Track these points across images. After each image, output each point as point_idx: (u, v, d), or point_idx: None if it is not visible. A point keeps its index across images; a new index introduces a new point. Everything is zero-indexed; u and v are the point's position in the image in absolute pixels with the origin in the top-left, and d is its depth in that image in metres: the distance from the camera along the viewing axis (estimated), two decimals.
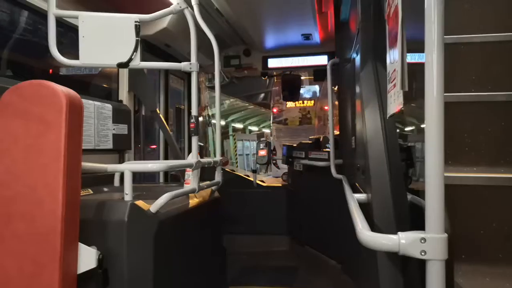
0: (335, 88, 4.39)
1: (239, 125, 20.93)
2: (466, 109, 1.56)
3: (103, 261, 1.72)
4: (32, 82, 1.66)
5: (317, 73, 5.26)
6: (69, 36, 2.87)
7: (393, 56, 1.51)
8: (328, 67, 3.82)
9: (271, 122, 13.99)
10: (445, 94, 1.06)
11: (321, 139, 4.93)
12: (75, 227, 1.62)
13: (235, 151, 17.89)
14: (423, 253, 1.05)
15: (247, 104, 17.80)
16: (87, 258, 1.67)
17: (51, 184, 1.54)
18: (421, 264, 1.13)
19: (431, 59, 1.06)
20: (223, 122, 16.76)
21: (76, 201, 1.63)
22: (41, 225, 1.53)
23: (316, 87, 13.23)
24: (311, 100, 13.68)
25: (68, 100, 1.60)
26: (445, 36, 1.07)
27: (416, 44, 1.41)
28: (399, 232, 1.12)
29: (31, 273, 1.52)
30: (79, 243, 1.65)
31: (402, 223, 1.44)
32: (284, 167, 5.42)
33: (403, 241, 1.09)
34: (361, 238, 1.23)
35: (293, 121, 13.25)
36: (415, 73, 1.62)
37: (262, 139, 11.18)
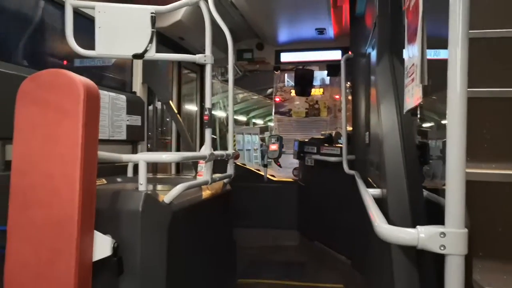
0: (348, 84, 4.36)
1: (241, 118, 18.65)
2: (486, 104, 1.54)
3: (118, 250, 1.74)
4: (50, 71, 1.67)
5: (331, 68, 5.23)
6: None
7: (411, 49, 1.49)
8: (342, 62, 3.80)
9: (273, 113, 12.61)
10: None
11: (333, 135, 4.91)
12: (91, 215, 1.64)
13: (234, 145, 15.61)
14: (442, 248, 1.04)
15: (250, 94, 15.33)
16: (103, 246, 1.69)
17: (68, 173, 1.56)
18: (436, 260, 1.12)
19: (455, 53, 1.05)
20: (223, 114, 14.64)
21: (92, 190, 1.65)
22: (58, 213, 1.55)
23: (325, 73, 11.29)
24: (320, 88, 11.51)
25: (86, 89, 1.61)
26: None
27: (433, 41, 1.39)
28: (418, 226, 1.11)
29: (48, 260, 1.54)
30: (95, 231, 1.67)
31: (418, 218, 1.43)
32: (286, 166, 5.39)
33: (422, 235, 1.08)
34: (379, 232, 1.22)
35: (299, 112, 12.02)
36: (430, 70, 1.61)
37: (272, 133, 10.88)
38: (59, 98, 1.60)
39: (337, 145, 4.28)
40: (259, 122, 21.03)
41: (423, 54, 1.25)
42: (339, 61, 4.03)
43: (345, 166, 3.47)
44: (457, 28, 1.04)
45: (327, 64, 5.24)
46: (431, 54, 1.96)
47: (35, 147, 1.60)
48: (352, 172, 3.31)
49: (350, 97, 4.24)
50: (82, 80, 1.62)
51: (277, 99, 11.98)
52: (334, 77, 6.84)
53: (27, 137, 1.61)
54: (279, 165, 8.36)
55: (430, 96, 1.83)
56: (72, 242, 1.54)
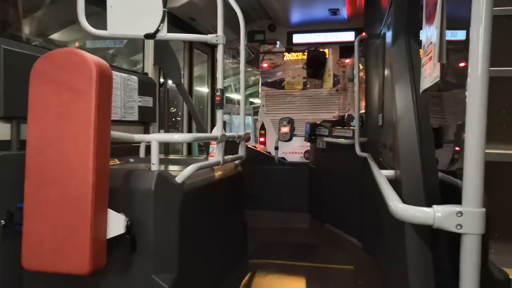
0: (362, 65, 4.29)
1: (234, 96, 14.82)
2: (505, 84, 1.50)
3: (131, 228, 1.76)
4: (63, 50, 1.67)
5: (344, 50, 5.15)
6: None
7: (429, 29, 1.45)
8: (356, 43, 3.73)
9: (259, 85, 9.00)
10: None
11: (346, 117, 4.87)
12: (105, 193, 1.66)
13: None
14: (459, 227, 1.03)
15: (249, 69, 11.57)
16: (116, 224, 1.72)
17: (82, 151, 1.57)
18: (451, 240, 1.11)
19: (477, 32, 1.02)
20: (236, 96, 12.73)
21: (105, 168, 1.66)
22: (72, 191, 1.58)
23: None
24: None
25: (98, 68, 1.61)
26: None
27: (450, 21, 1.36)
28: (434, 205, 1.10)
29: (64, 236, 1.57)
30: (109, 209, 1.69)
31: (433, 199, 1.42)
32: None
33: (438, 214, 1.07)
34: (394, 211, 1.21)
35: (294, 83, 8.36)
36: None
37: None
38: (72, 77, 1.61)
39: (349, 127, 4.24)
40: (257, 101, 16.22)
41: (442, 31, 1.22)
42: (352, 42, 3.96)
43: (357, 148, 3.44)
44: (481, 4, 1.00)
45: (340, 45, 5.16)
46: (448, 35, 1.91)
47: (49, 126, 1.61)
48: (364, 154, 3.28)
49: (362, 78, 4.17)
50: (95, 59, 1.62)
51: (264, 65, 8.57)
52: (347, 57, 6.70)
53: (42, 116, 1.62)
54: (263, 143, 7.91)
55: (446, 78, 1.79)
56: (87, 219, 1.56)
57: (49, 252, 1.58)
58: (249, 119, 12.92)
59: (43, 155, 1.62)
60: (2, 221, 1.75)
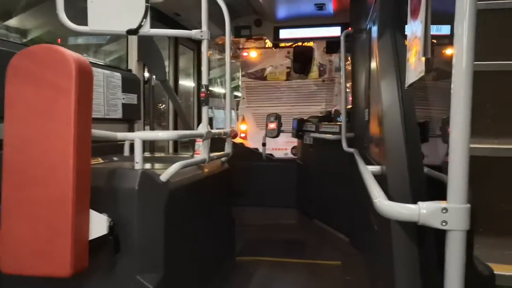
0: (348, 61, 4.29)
1: (218, 89, 13.91)
2: (489, 78, 1.50)
3: (114, 228, 1.72)
4: (41, 46, 1.62)
5: (330, 45, 5.15)
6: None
7: (414, 22, 1.45)
8: (342, 39, 3.73)
9: (239, 74, 8.29)
10: None
11: (333, 112, 4.87)
12: (87, 193, 1.62)
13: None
14: (444, 224, 1.02)
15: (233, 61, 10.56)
16: (99, 225, 1.68)
17: (63, 150, 1.53)
18: (437, 236, 1.11)
19: (462, 26, 1.01)
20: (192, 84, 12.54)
21: (87, 167, 1.62)
22: (53, 191, 1.53)
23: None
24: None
25: (78, 65, 1.56)
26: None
27: (435, 16, 1.35)
28: (419, 202, 1.09)
29: (44, 238, 1.53)
30: (91, 210, 1.65)
31: (419, 195, 1.41)
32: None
33: (423, 210, 1.06)
34: (379, 208, 1.21)
35: (276, 73, 7.74)
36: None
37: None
38: (51, 74, 1.56)
39: (336, 123, 4.24)
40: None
41: (426, 25, 1.21)
42: (338, 37, 3.96)
43: (344, 144, 3.45)
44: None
45: (327, 40, 5.15)
46: (433, 29, 1.91)
47: (28, 124, 1.56)
48: (351, 149, 3.29)
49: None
50: (73, 55, 1.58)
51: (245, 54, 7.79)
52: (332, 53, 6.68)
53: (19, 114, 1.57)
54: (244, 138, 7.35)
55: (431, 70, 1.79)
56: (68, 220, 1.52)
57: (28, 255, 1.53)
58: (233, 114, 11.77)
59: (22, 154, 1.56)
60: None
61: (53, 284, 1.68)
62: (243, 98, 8.11)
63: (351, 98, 3.97)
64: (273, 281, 2.89)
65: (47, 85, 1.56)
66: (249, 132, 7.79)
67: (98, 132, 1.81)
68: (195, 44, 4.73)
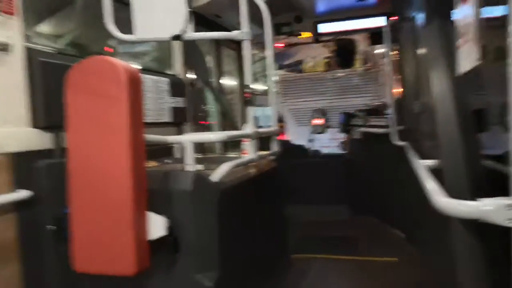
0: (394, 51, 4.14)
1: (257, 86, 12.33)
2: None
3: (173, 229, 1.78)
4: (94, 59, 1.70)
5: (374, 36, 4.99)
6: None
7: (464, 7, 1.37)
8: (386, 29, 3.61)
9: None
10: None
11: (381, 105, 4.74)
12: (144, 196, 1.69)
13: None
14: (509, 221, 0.96)
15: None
16: (157, 226, 1.74)
17: (120, 156, 1.60)
18: (502, 234, 1.04)
19: None
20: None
21: (142, 171, 1.69)
22: (112, 195, 1.61)
23: None
24: None
25: (128, 74, 1.63)
26: None
27: None
28: (480, 198, 1.03)
29: (108, 239, 1.62)
30: (150, 211, 1.72)
31: (478, 189, 1.34)
32: None
33: (485, 207, 1.01)
34: (436, 204, 1.16)
35: (314, 65, 7.09)
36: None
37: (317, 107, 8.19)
38: (104, 84, 1.64)
39: (384, 116, 4.12)
40: None
41: (477, 9, 1.15)
42: (382, 28, 3.84)
43: (395, 137, 3.34)
44: None
45: (370, 32, 5.00)
46: (486, 12, 1.80)
47: (86, 133, 1.66)
48: (402, 143, 3.18)
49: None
50: (124, 66, 1.65)
51: (280, 45, 6.95)
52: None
53: (78, 124, 1.67)
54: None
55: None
56: (129, 222, 1.60)
57: (96, 255, 1.64)
58: (269, 111, 11.74)
59: (83, 161, 1.66)
60: (52, 226, 1.83)
61: (118, 282, 1.76)
62: (279, 93, 7.28)
63: (399, 90, 3.84)
64: (329, 279, 2.87)
65: (101, 95, 1.64)
66: (286, 129, 7.33)
67: (150, 136, 1.88)
68: (236, 44, 4.77)
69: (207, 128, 4.58)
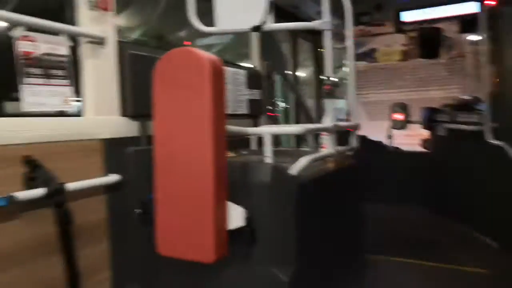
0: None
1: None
2: None
3: (251, 220, 1.77)
4: (179, 50, 1.74)
5: (466, 24, 4.58)
6: None
7: None
8: (481, 15, 3.28)
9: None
10: None
11: (470, 99, 4.35)
12: (224, 186, 1.70)
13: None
14: None
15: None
16: (236, 216, 1.76)
17: (202, 146, 1.63)
18: None
19: None
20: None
21: (223, 162, 1.70)
22: (194, 183, 1.65)
23: None
24: None
25: (212, 65, 1.64)
26: None
27: None
28: None
29: (190, 225, 1.66)
30: (229, 202, 1.73)
31: None
32: None
33: None
34: None
35: (390, 53, 6.42)
36: None
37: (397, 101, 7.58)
38: (189, 76, 1.67)
39: (476, 111, 3.76)
40: None
41: None
42: (475, 14, 3.50)
43: (489, 135, 3.03)
44: None
45: (461, 19, 4.60)
46: None
47: (172, 122, 1.70)
48: (498, 142, 2.88)
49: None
50: (208, 57, 1.66)
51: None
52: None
53: (165, 113, 1.72)
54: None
55: None
56: (209, 210, 1.62)
57: (178, 240, 1.69)
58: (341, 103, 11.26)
59: (167, 150, 1.71)
60: (138, 210, 1.94)
61: (197, 269, 1.80)
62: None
63: (495, 83, 3.48)
64: (409, 285, 2.69)
65: (186, 86, 1.68)
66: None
67: (231, 128, 1.89)
68: (312, 36, 4.65)
69: (275, 120, 4.55)
